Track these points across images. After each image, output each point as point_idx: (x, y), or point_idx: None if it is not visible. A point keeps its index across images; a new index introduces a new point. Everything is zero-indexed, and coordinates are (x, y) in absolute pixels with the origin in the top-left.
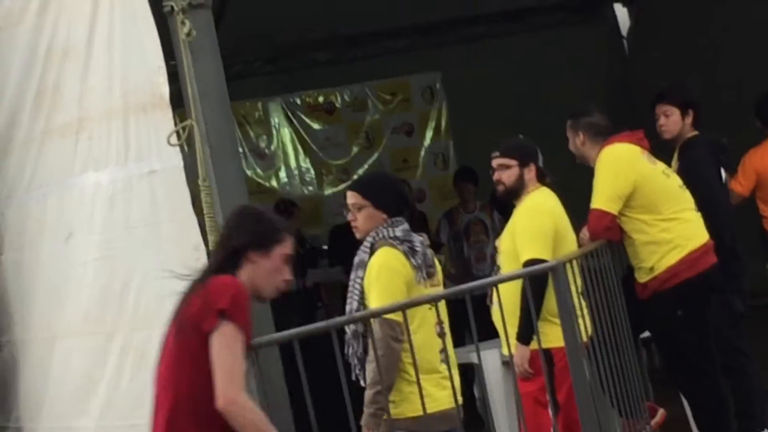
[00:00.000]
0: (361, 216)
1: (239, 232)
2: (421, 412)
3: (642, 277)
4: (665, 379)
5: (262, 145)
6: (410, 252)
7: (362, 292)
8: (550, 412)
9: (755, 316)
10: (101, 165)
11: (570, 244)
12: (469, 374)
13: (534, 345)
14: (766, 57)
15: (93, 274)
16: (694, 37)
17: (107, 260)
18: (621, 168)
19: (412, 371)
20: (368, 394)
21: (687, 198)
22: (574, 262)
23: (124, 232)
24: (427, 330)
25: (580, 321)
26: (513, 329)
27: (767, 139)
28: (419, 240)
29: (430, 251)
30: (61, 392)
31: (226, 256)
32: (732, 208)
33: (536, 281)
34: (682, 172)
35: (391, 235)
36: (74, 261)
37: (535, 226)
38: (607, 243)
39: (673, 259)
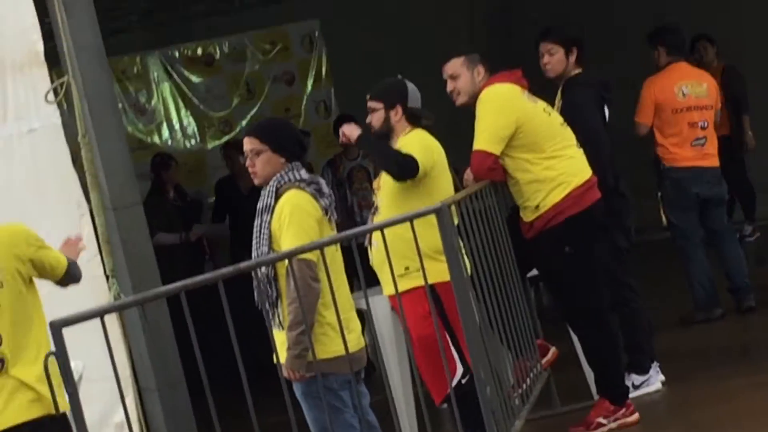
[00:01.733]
0: (259, 161)
1: None
2: (331, 354)
3: (528, 216)
4: (554, 317)
5: (142, 100)
6: (318, 193)
7: (271, 236)
8: (452, 348)
9: (643, 250)
10: None
11: (446, 183)
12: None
13: (419, 282)
14: None
15: None
16: None
17: None
18: (502, 108)
19: (324, 312)
20: (291, 336)
21: (569, 135)
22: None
23: (5, 191)
24: (335, 270)
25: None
26: (397, 270)
27: (663, 69)
28: (324, 183)
29: None
30: None
31: None
32: (610, 149)
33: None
34: (564, 111)
35: (298, 177)
36: None
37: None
38: (491, 183)
39: (557, 196)
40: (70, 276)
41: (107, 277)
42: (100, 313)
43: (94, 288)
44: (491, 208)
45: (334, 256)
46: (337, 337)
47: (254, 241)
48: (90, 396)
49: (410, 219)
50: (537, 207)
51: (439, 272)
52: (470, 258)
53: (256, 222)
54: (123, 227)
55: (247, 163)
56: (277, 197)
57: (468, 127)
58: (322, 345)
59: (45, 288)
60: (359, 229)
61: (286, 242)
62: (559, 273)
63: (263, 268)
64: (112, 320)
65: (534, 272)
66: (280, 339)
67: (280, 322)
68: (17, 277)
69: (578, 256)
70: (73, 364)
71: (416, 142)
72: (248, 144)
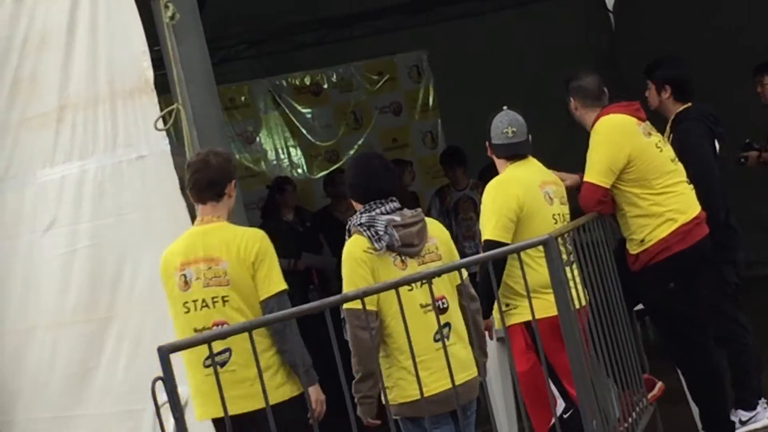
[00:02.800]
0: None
1: None
2: (412, 398)
3: (633, 249)
4: (661, 352)
5: (250, 128)
6: (375, 236)
7: None
8: (552, 386)
9: (752, 285)
10: (87, 152)
11: (542, 218)
12: None
13: (516, 320)
14: (754, 27)
15: (82, 262)
16: (679, 8)
17: (97, 247)
18: (616, 140)
19: (400, 357)
20: (353, 384)
21: (679, 171)
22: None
23: (114, 218)
24: (411, 313)
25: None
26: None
27: None
28: (384, 224)
29: (418, 227)
30: (46, 383)
31: None
32: (722, 183)
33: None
34: (675, 145)
35: (357, 222)
36: (56, 251)
37: (494, 205)
38: (599, 216)
39: (664, 231)
40: (273, 307)
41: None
42: (207, 340)
43: None
44: (599, 241)
45: (406, 298)
46: (413, 382)
47: None
48: (195, 422)
49: (518, 251)
50: (643, 241)
51: (536, 308)
52: (584, 288)
53: None
54: None
55: None
56: None
57: (576, 155)
58: (401, 389)
59: (151, 314)
60: (469, 260)
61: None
62: (663, 308)
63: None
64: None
65: (641, 306)
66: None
67: None
68: (244, 277)
69: (683, 292)
70: (179, 390)
71: (489, 205)
72: None
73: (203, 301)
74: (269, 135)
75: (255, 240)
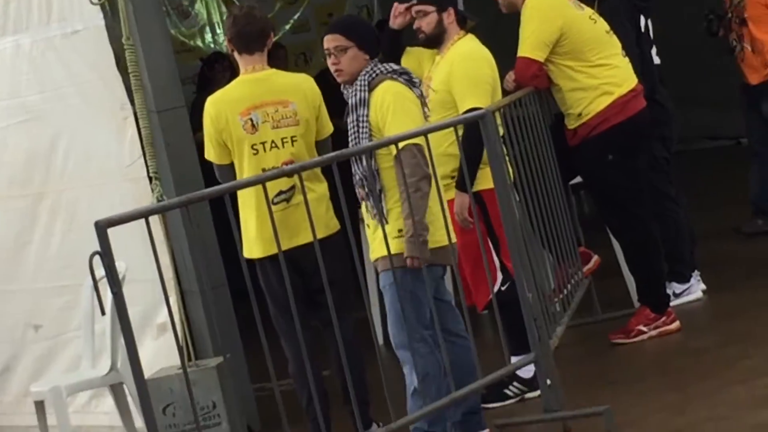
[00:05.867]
0: (345, 58)
1: None
2: (439, 243)
3: (571, 124)
4: (596, 225)
5: (185, 3)
6: (410, 83)
7: (371, 129)
8: (493, 254)
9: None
10: (21, 27)
11: (499, 95)
12: None
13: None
14: None
15: (16, 137)
16: None
17: (32, 122)
18: (547, 14)
19: (429, 203)
20: (412, 223)
21: (614, 43)
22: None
23: (49, 93)
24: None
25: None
26: (442, 180)
27: None
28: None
29: None
30: None
31: None
32: (648, 59)
33: (474, 130)
34: None
35: (389, 69)
36: None
37: (475, 74)
38: (535, 90)
39: (601, 104)
40: (326, 147)
41: (150, 180)
42: (144, 214)
43: (137, 190)
44: (534, 116)
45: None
46: (442, 227)
47: (351, 137)
48: (132, 297)
49: (454, 125)
50: (580, 115)
51: (483, 179)
52: (513, 165)
53: (351, 118)
54: (166, 130)
55: (331, 60)
56: (370, 90)
57: (510, 31)
58: (428, 234)
59: (86, 191)
60: (403, 134)
61: (394, 129)
62: (602, 180)
63: (364, 161)
64: (154, 222)
65: (577, 180)
66: (378, 236)
67: (384, 216)
68: (310, 117)
69: (621, 164)
70: (117, 265)
71: (471, 75)
72: (332, 41)
73: (272, 142)
74: (205, 9)
75: (314, 84)
